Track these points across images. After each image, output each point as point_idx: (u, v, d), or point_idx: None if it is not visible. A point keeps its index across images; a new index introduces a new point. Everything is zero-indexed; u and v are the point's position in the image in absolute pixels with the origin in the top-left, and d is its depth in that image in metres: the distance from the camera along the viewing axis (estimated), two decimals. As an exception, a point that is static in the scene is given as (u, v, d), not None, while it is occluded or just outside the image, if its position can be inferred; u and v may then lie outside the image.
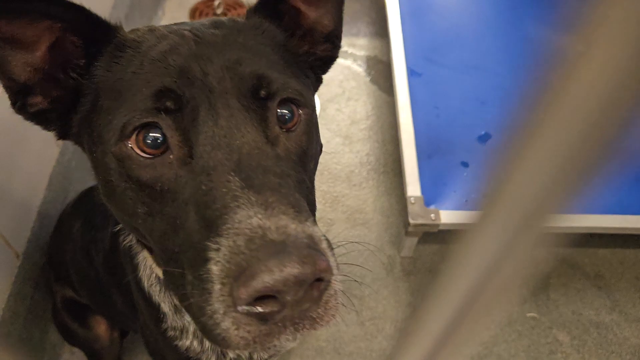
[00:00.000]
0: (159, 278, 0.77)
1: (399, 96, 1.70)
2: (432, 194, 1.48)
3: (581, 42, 0.24)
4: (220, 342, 0.51)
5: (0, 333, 1.09)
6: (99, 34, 0.61)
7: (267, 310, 0.47)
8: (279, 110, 0.60)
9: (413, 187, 1.48)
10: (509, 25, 1.98)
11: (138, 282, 0.80)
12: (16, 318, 1.15)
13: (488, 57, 1.86)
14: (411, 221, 1.42)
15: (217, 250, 0.49)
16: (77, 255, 1.08)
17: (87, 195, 1.13)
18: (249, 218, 0.49)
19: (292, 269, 0.45)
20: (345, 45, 2.13)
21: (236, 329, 0.48)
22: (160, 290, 0.78)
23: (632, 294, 1.55)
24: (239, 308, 0.47)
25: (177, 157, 0.55)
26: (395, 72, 1.76)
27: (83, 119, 0.63)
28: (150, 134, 0.55)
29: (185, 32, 0.61)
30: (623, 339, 1.46)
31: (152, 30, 0.63)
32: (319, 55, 0.75)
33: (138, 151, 0.55)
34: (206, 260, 0.49)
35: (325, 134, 1.85)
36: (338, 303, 0.52)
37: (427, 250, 1.60)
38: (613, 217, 1.43)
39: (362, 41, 2.15)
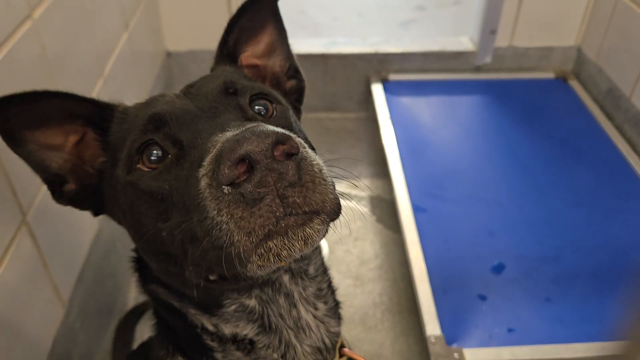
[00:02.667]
0: None
1: (407, 233, 1.69)
2: (452, 332, 1.41)
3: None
4: (232, 258, 0.53)
5: None
6: (107, 113, 0.76)
7: (250, 177, 0.51)
8: (256, 107, 0.71)
9: (432, 326, 1.42)
10: (505, 156, 2.04)
11: None
12: None
13: (489, 188, 1.89)
14: (434, 363, 1.34)
15: (203, 167, 0.56)
16: None
17: None
18: (224, 136, 0.57)
19: (259, 137, 0.51)
20: (348, 187, 2.17)
21: (235, 222, 0.52)
22: None
23: None
24: (225, 188, 0.52)
25: (173, 156, 0.64)
26: (401, 209, 1.78)
27: (108, 184, 0.74)
28: (153, 151, 0.66)
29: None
30: None
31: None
32: (290, 91, 0.89)
33: (145, 169, 0.66)
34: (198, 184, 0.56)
35: (335, 277, 1.80)
36: (327, 183, 0.57)
37: (455, 395, 1.48)
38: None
39: (364, 183, 2.20)
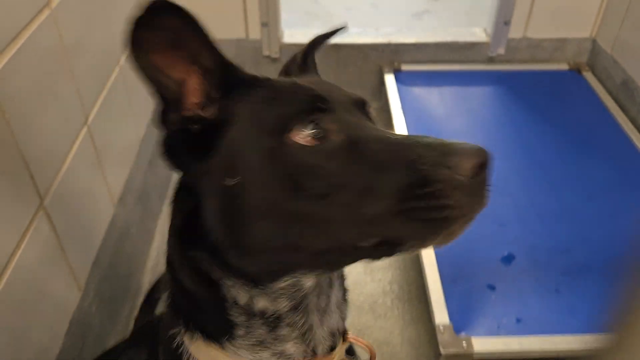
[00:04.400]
0: None
1: (417, 222, 1.70)
2: (461, 321, 1.42)
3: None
4: (442, 224, 0.60)
5: None
6: (230, 72, 0.71)
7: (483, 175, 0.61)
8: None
9: (441, 315, 1.43)
10: (518, 147, 2.04)
11: None
12: None
13: (500, 179, 1.89)
14: (442, 351, 1.35)
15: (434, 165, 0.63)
16: None
17: None
18: (452, 143, 0.67)
19: (487, 154, 0.62)
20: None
21: (460, 200, 0.59)
22: None
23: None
24: (465, 178, 0.60)
25: (339, 141, 0.65)
26: (411, 199, 1.78)
27: (229, 142, 0.69)
28: (314, 129, 0.65)
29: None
30: None
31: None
32: None
33: (303, 142, 0.64)
34: (427, 179, 0.61)
35: (345, 265, 1.83)
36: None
37: (463, 383, 1.50)
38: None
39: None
